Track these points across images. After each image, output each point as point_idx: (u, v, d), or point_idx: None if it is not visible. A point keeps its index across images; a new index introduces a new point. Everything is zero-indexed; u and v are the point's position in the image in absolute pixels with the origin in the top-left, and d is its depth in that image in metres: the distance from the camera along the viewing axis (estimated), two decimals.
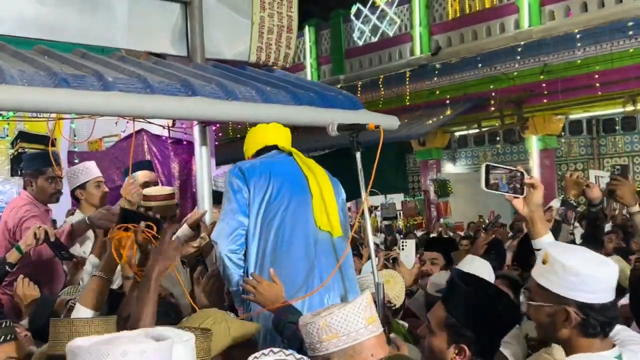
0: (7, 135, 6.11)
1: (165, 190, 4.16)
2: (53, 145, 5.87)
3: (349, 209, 16.73)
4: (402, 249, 4.50)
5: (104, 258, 2.42)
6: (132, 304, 2.23)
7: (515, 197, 2.24)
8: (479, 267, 4.06)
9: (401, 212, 14.48)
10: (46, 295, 2.86)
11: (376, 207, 13.41)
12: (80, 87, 3.63)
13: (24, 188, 4.16)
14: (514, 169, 2.24)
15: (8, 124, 5.00)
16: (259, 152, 3.24)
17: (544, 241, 2.23)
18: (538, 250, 2.22)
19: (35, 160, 4.19)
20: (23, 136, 6.02)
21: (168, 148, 5.39)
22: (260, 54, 5.34)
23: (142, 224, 2.34)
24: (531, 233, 2.27)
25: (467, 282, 2.11)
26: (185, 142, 5.37)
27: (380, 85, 15.02)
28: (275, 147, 3.27)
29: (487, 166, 2.22)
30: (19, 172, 5.89)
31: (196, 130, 4.59)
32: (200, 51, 5.01)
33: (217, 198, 4.66)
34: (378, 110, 5.26)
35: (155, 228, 2.36)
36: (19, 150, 6.06)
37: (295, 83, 4.86)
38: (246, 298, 2.80)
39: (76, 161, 4.97)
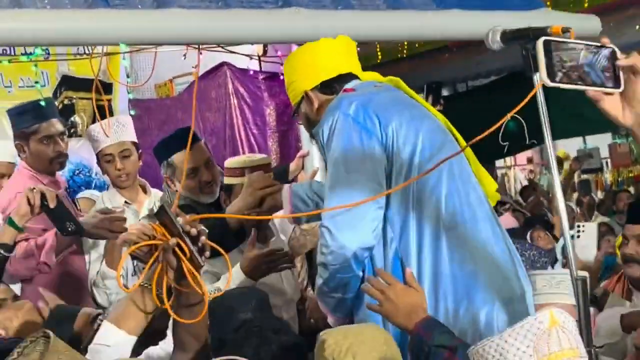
0: (48, 84, 6.21)
1: (255, 159, 3.83)
2: (109, 91, 5.92)
3: (530, 160, 16.08)
4: (578, 236, 4.12)
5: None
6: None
7: (607, 93, 1.67)
8: None
9: (609, 161, 13.70)
10: (63, 306, 2.71)
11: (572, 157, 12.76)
12: (125, 6, 3.50)
13: (19, 156, 4.15)
14: (597, 44, 1.68)
15: (36, 65, 4.98)
16: (327, 85, 2.93)
17: None
18: None
19: (21, 116, 4.10)
20: (68, 82, 6.12)
21: (260, 87, 5.24)
22: None
23: (173, 240, 2.12)
24: None
25: None
26: (282, 77, 5.19)
27: None
28: (353, 76, 2.98)
29: (547, 42, 1.69)
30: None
31: None
32: None
33: None
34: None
35: (188, 251, 2.12)
36: (65, 102, 6.15)
37: None
38: (370, 308, 2.56)
39: (131, 112, 4.90)
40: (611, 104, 1.68)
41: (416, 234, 2.70)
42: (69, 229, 3.48)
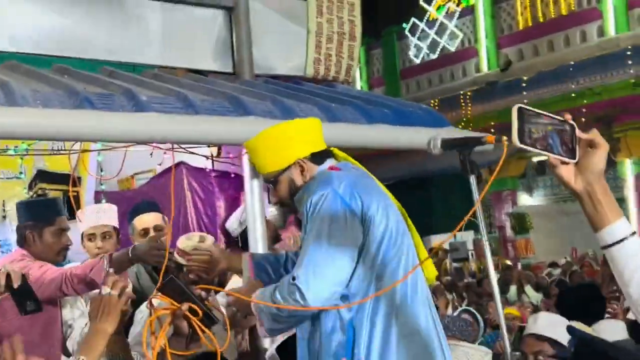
0: (23, 175, 5.79)
1: (206, 245, 3.59)
2: (75, 185, 5.54)
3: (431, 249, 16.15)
4: None
5: (91, 334, 2.00)
6: None
7: (563, 162, 1.54)
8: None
9: (473, 252, 13.81)
10: None
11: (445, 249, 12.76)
12: (107, 109, 3.24)
13: (20, 245, 3.60)
14: (561, 118, 1.56)
15: (22, 159, 4.64)
16: (317, 156, 2.67)
17: (618, 230, 1.50)
18: (609, 247, 1.49)
19: (38, 209, 3.69)
20: (43, 176, 5.73)
21: (212, 183, 4.98)
22: (318, 67, 4.90)
23: (185, 306, 1.99)
24: (592, 219, 1.52)
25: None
26: (233, 175, 4.94)
27: (439, 107, 14.54)
28: (331, 152, 2.76)
29: (521, 110, 1.52)
30: None
31: (246, 159, 4.14)
32: (248, 66, 4.60)
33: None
34: None
35: (200, 313, 2.02)
36: (39, 192, 5.73)
37: (363, 98, 4.40)
38: None
39: (103, 201, 4.58)
40: (566, 171, 1.56)
41: (371, 310, 2.48)
42: (27, 309, 2.98)
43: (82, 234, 3.90)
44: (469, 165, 2.45)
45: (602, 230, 1.51)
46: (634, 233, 1.51)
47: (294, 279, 2.41)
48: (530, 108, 1.52)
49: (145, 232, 3.86)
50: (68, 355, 3.68)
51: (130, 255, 3.26)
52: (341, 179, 2.54)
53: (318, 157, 2.67)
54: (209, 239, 3.63)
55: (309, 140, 2.67)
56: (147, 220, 3.90)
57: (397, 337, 2.48)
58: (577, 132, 1.55)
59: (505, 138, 2.37)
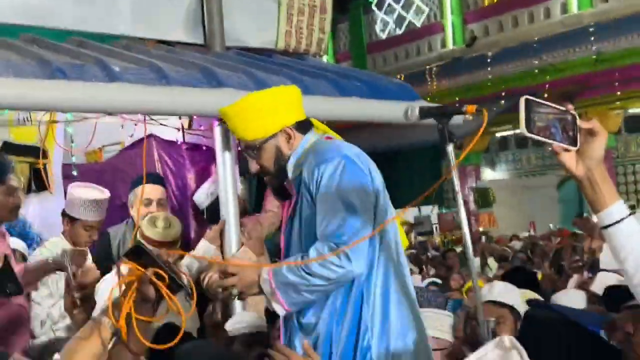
0: None
1: (170, 234, 3.55)
2: (45, 156, 5.47)
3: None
4: None
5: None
6: None
7: (566, 149, 1.63)
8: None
9: (437, 227, 14.01)
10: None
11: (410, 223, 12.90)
12: (81, 79, 3.21)
13: None
14: (563, 108, 1.64)
15: None
16: (302, 125, 2.63)
17: (616, 212, 1.60)
18: (607, 227, 1.59)
19: None
20: (9, 147, 5.61)
21: (183, 155, 4.93)
22: (289, 40, 4.89)
23: (150, 271, 1.92)
24: (592, 202, 1.61)
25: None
26: (204, 148, 4.91)
27: (407, 81, 14.61)
28: (312, 124, 2.72)
29: (528, 101, 1.61)
30: None
31: (217, 132, 4.09)
32: (219, 38, 4.56)
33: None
34: None
35: (167, 278, 1.94)
36: None
37: (336, 71, 4.42)
38: None
39: (74, 173, 4.52)
40: (568, 158, 1.65)
41: (381, 275, 2.50)
42: (8, 291, 3.00)
43: (73, 218, 3.86)
44: (447, 135, 2.47)
45: (601, 212, 1.61)
46: (630, 214, 1.61)
47: (337, 245, 2.36)
48: (536, 99, 1.60)
49: (149, 201, 3.92)
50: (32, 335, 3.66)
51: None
52: (349, 147, 2.54)
53: (302, 127, 2.64)
54: (176, 223, 3.64)
55: (293, 108, 2.64)
56: (152, 191, 3.95)
57: (397, 301, 2.52)
58: (578, 121, 1.63)
59: (485, 110, 2.42)
